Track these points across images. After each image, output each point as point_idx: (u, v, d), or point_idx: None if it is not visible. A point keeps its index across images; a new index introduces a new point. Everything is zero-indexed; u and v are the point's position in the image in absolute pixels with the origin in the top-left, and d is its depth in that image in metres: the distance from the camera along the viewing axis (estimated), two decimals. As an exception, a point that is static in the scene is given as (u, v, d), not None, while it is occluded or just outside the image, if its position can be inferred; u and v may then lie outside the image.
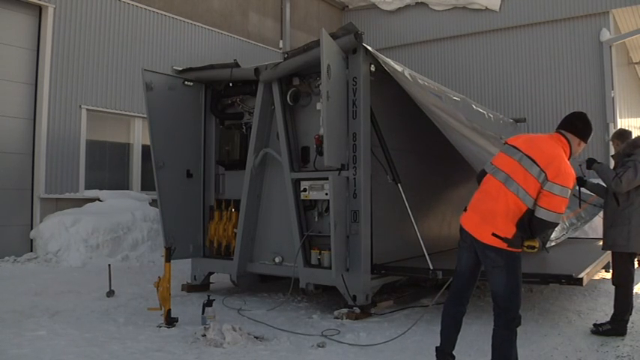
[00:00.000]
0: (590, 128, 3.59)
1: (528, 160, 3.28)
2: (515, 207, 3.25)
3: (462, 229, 3.51)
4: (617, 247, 4.85)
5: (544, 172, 3.21)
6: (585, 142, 3.54)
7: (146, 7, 11.19)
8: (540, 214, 3.22)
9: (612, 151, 5.52)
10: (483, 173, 3.57)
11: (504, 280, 3.29)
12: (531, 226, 3.28)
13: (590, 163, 5.14)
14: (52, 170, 9.55)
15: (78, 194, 9.86)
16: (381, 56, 5.71)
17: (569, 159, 3.41)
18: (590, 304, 6.10)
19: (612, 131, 9.32)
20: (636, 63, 16.05)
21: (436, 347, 3.62)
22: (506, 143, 3.54)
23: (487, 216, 3.32)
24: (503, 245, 3.27)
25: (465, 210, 3.54)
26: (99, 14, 10.36)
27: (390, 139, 5.87)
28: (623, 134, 5.24)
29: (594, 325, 4.91)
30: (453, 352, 3.60)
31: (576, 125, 3.52)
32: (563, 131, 3.49)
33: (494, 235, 3.27)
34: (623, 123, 12.97)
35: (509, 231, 3.26)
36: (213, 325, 4.57)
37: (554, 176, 3.20)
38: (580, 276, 4.88)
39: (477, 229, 3.36)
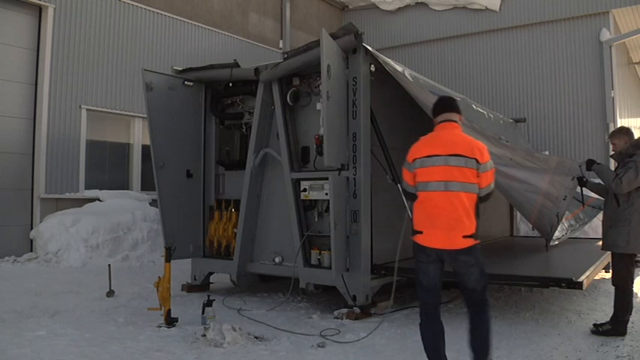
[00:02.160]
0: (455, 99, 3.89)
1: (454, 158, 3.44)
2: (470, 201, 3.44)
3: (422, 248, 3.49)
4: (616, 247, 4.84)
5: (474, 159, 3.44)
6: (461, 114, 3.79)
7: (146, 7, 11.19)
8: (485, 192, 3.52)
9: (611, 152, 5.47)
10: (413, 195, 3.64)
11: (479, 276, 3.46)
12: (479, 205, 3.55)
13: (590, 164, 5.12)
14: (52, 170, 9.55)
15: (78, 194, 9.87)
16: (381, 56, 5.71)
17: None
18: (590, 304, 6.10)
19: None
20: (636, 63, 16.04)
21: None
22: (416, 159, 3.55)
23: (453, 224, 3.40)
24: (472, 242, 3.40)
25: (419, 232, 3.50)
26: (99, 14, 10.36)
27: (390, 139, 5.87)
28: (623, 131, 5.13)
29: (594, 325, 4.91)
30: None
31: (453, 106, 3.74)
32: (450, 116, 3.67)
33: (464, 237, 3.39)
34: (623, 123, 12.93)
35: (474, 225, 3.43)
36: (213, 325, 4.57)
37: (482, 157, 3.47)
38: (580, 279, 4.88)
39: (447, 241, 3.41)
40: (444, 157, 3.44)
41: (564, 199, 6.28)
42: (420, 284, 3.56)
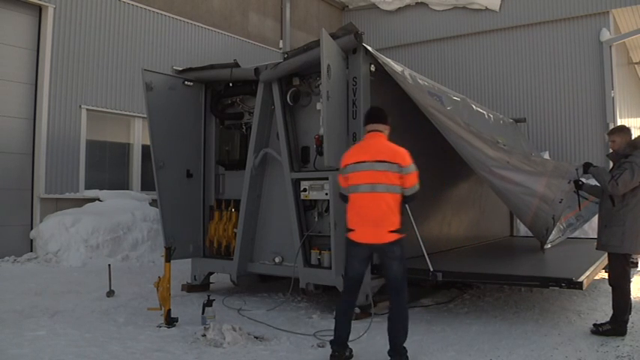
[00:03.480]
0: (385, 111, 4.31)
1: (379, 164, 3.98)
2: (394, 201, 3.98)
3: (355, 244, 4.02)
4: (610, 247, 4.85)
5: (396, 164, 3.97)
6: (389, 125, 4.25)
7: (146, 7, 11.19)
8: (410, 191, 4.05)
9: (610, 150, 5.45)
10: (346, 197, 4.16)
11: (400, 267, 3.98)
12: (406, 204, 4.15)
13: (587, 167, 5.13)
14: (52, 170, 9.55)
15: (78, 194, 9.86)
16: (381, 56, 5.71)
17: None
18: (590, 304, 6.10)
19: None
20: (636, 63, 16.06)
21: (332, 340, 4.00)
22: (348, 164, 4.09)
23: (379, 221, 3.94)
24: (397, 236, 3.96)
25: (352, 230, 4.04)
26: (99, 14, 10.36)
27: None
28: (623, 129, 5.10)
29: (594, 325, 4.91)
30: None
31: (380, 117, 4.23)
32: (376, 127, 4.16)
33: (391, 232, 3.94)
34: (623, 123, 12.96)
35: (398, 221, 3.98)
36: (213, 325, 4.58)
37: (403, 162, 3.99)
38: (580, 279, 4.88)
39: (376, 236, 3.96)
40: (370, 163, 3.99)
41: (560, 202, 6.29)
42: (345, 273, 4.16)
